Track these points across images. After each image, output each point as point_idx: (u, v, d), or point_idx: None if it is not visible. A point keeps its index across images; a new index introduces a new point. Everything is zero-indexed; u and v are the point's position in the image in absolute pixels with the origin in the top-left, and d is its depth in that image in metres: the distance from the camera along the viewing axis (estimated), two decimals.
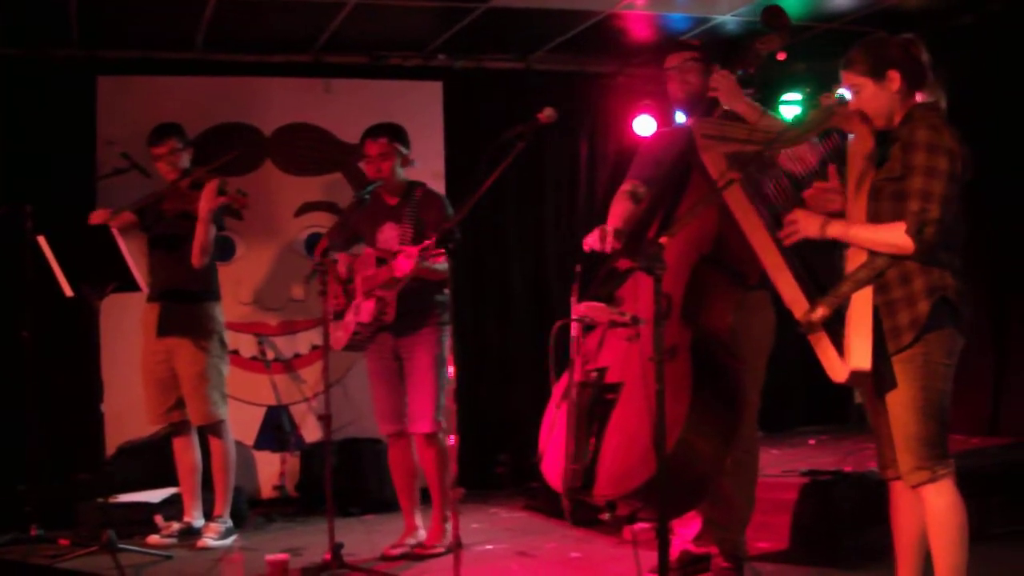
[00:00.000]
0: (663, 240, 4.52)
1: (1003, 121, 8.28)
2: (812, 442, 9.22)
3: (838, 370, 4.62)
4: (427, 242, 5.67)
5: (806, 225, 4.80)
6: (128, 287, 7.26)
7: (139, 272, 7.27)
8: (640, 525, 6.30)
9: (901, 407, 4.61)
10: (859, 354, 4.56)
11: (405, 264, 6.58)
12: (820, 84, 8.91)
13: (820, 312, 4.63)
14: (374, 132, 7.22)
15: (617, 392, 5.39)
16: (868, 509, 6.42)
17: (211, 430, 7.73)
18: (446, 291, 7.00)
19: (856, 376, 4.59)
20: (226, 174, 8.08)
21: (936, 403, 4.59)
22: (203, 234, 7.48)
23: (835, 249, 4.89)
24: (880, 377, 4.63)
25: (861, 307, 4.62)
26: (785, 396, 10.09)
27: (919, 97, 4.75)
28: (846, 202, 4.84)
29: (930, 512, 4.61)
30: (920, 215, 4.48)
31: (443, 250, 5.58)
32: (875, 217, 4.69)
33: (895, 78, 4.70)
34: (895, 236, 4.54)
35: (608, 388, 5.45)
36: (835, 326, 4.66)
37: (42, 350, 7.76)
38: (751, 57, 5.72)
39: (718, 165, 5.25)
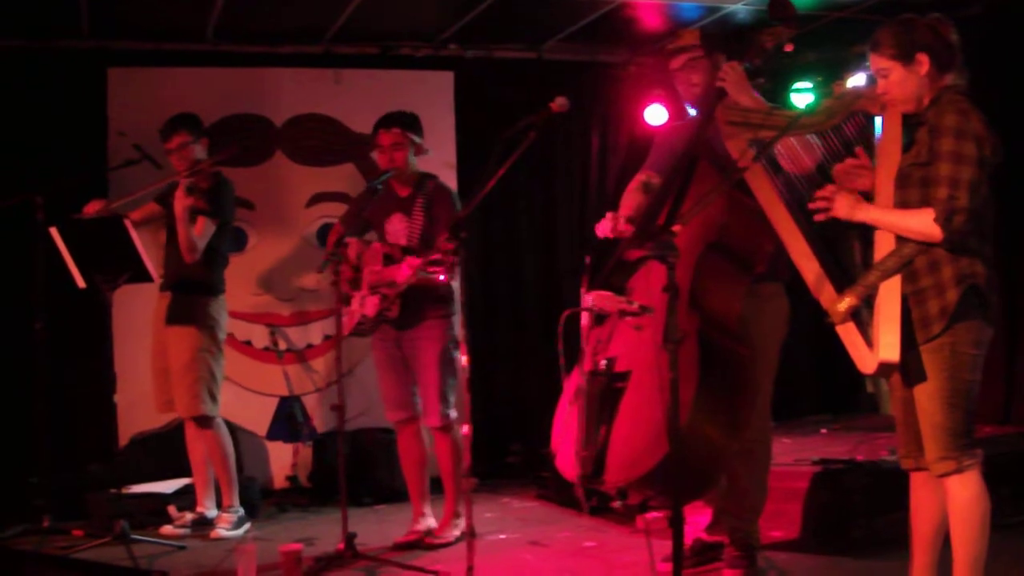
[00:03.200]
0: (677, 228, 4.53)
1: (1013, 111, 8.26)
2: (824, 431, 9.20)
3: (867, 361, 4.58)
4: (434, 255, 5.65)
5: (840, 204, 4.73)
6: (140, 278, 7.27)
7: (151, 263, 7.28)
8: (653, 514, 6.31)
9: (928, 397, 4.59)
10: (888, 345, 4.51)
11: (403, 272, 6.61)
12: (831, 72, 8.90)
13: (848, 302, 4.59)
14: (387, 122, 7.21)
15: (626, 380, 5.40)
16: (880, 498, 6.44)
17: (201, 423, 7.73)
18: (453, 283, 7.00)
19: (885, 367, 4.57)
20: (236, 165, 8.10)
21: (963, 393, 4.56)
22: (182, 233, 7.48)
23: (851, 230, 4.87)
24: (907, 367, 4.60)
25: (890, 296, 4.58)
26: (797, 385, 10.08)
27: (947, 79, 4.71)
28: (874, 181, 4.81)
29: (954, 502, 4.59)
30: (948, 203, 4.44)
31: (442, 265, 5.58)
32: (903, 204, 4.64)
33: (924, 61, 4.64)
34: (923, 223, 4.50)
35: (618, 376, 5.46)
36: (862, 315, 4.64)
37: (55, 341, 7.76)
38: (757, 49, 5.71)
39: (743, 152, 5.23)
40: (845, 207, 4.73)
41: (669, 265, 4.54)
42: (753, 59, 5.69)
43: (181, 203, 7.43)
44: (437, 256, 5.63)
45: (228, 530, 7.59)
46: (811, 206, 4.85)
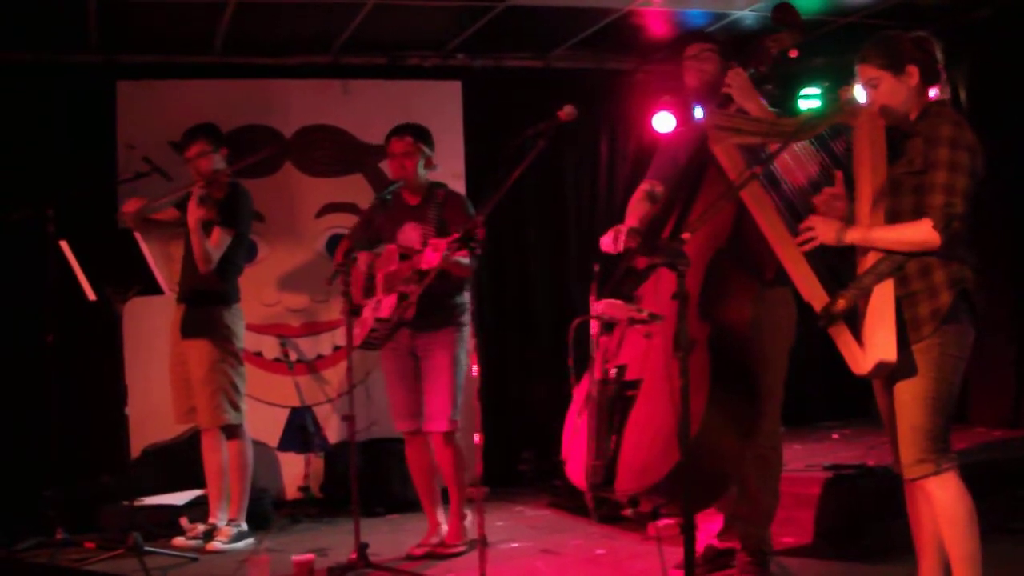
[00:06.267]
0: (686, 236, 4.54)
1: (1022, 113, 8.27)
2: (835, 436, 9.22)
3: (860, 362, 4.63)
4: (455, 234, 5.67)
5: (823, 232, 4.81)
6: (150, 290, 7.28)
7: (161, 275, 7.29)
8: (664, 521, 6.31)
9: (912, 397, 4.62)
10: (884, 345, 4.56)
11: (432, 257, 6.59)
12: (838, 78, 8.90)
13: (841, 305, 4.64)
14: (400, 130, 7.27)
15: (637, 388, 5.41)
16: (891, 503, 6.40)
17: (227, 434, 7.74)
18: (466, 294, 7.03)
19: (880, 367, 4.59)
20: (246, 177, 8.11)
21: (945, 396, 4.61)
22: (195, 244, 7.51)
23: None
24: (896, 367, 4.63)
25: (883, 299, 4.63)
26: (807, 391, 10.10)
27: (931, 94, 4.76)
28: (850, 203, 4.85)
29: (937, 505, 4.62)
30: (946, 209, 4.51)
31: (468, 247, 5.58)
32: (894, 211, 4.71)
33: (914, 73, 4.72)
34: (921, 233, 4.56)
35: (628, 385, 5.46)
36: (853, 319, 4.68)
37: (66, 354, 7.77)
38: (762, 55, 5.73)
39: (732, 158, 5.27)
40: (830, 234, 4.81)
41: (679, 273, 4.55)
42: (759, 65, 5.71)
43: (193, 215, 7.46)
44: (462, 235, 5.62)
45: (224, 544, 7.55)
46: (796, 241, 4.89)
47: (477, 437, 5.64)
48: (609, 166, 10.44)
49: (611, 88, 10.39)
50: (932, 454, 4.59)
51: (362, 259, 7.22)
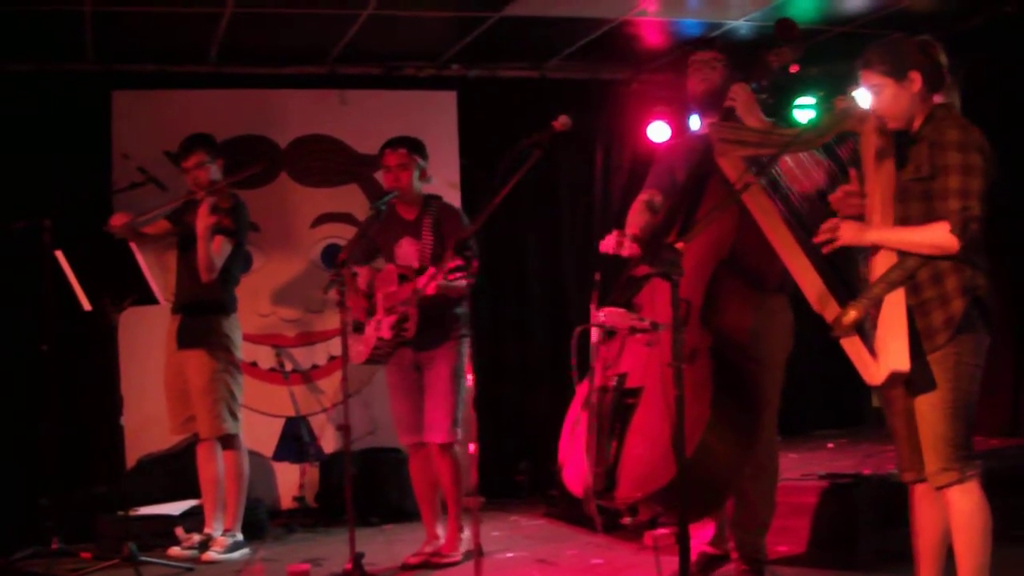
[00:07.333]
0: (680, 246, 4.54)
1: (1016, 123, 8.27)
2: (830, 445, 9.21)
3: (873, 372, 4.61)
4: (451, 263, 5.68)
5: (845, 232, 4.77)
6: (146, 300, 7.28)
7: (156, 285, 7.29)
8: (660, 531, 6.30)
9: (931, 407, 4.60)
10: (897, 355, 4.54)
11: (427, 285, 6.61)
12: (834, 87, 8.89)
13: (852, 315, 4.62)
14: (394, 143, 7.27)
15: (637, 397, 5.42)
16: (887, 512, 6.44)
17: (224, 443, 7.75)
18: (465, 304, 7.03)
19: (893, 377, 4.58)
20: (241, 187, 8.11)
21: (965, 404, 4.59)
22: (202, 251, 7.52)
23: (859, 252, 4.88)
24: (911, 378, 4.62)
25: (895, 308, 4.60)
26: (802, 399, 10.08)
27: (936, 99, 4.75)
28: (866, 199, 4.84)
29: (956, 513, 4.60)
30: (963, 213, 4.48)
31: (464, 271, 5.59)
32: (904, 219, 4.68)
33: (916, 79, 4.69)
34: (939, 236, 4.52)
35: (628, 393, 5.47)
36: (866, 328, 4.66)
37: (62, 364, 7.77)
38: (764, 70, 5.74)
39: (737, 169, 5.27)
40: (852, 233, 4.77)
41: (673, 283, 4.55)
42: (760, 80, 5.72)
43: (204, 221, 7.46)
44: (458, 263, 5.64)
45: (220, 554, 7.54)
46: (816, 240, 4.87)
47: (472, 447, 5.64)
48: (604, 175, 10.43)
49: (606, 98, 10.40)
50: (956, 462, 4.57)
51: (363, 275, 7.23)
